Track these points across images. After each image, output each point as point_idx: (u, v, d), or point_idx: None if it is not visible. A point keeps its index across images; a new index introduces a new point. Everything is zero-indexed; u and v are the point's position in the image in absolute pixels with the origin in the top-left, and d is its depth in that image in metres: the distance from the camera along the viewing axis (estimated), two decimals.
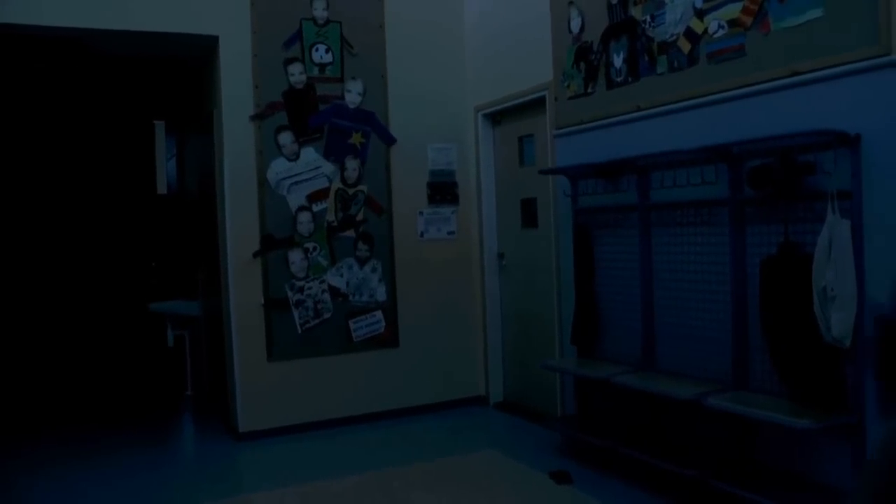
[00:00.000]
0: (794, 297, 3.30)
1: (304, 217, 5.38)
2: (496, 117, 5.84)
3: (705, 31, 3.81)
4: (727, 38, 3.70)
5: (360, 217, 5.55)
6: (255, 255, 5.26)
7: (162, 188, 8.26)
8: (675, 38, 4.01)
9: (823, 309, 3.14)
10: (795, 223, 3.40)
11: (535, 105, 5.27)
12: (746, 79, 3.62)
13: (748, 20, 3.58)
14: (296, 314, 5.36)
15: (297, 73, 5.36)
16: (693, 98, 3.92)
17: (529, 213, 5.53)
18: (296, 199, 5.36)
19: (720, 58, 3.76)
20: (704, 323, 3.91)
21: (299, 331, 5.37)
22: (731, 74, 3.70)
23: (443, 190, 5.85)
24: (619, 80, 4.43)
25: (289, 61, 5.34)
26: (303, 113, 5.37)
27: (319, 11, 5.42)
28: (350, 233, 5.53)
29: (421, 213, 5.79)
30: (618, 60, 4.43)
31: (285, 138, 5.34)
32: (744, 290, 3.66)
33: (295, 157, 5.37)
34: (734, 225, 3.68)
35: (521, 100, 5.36)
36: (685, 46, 3.95)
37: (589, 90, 4.67)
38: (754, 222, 3.62)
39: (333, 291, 5.46)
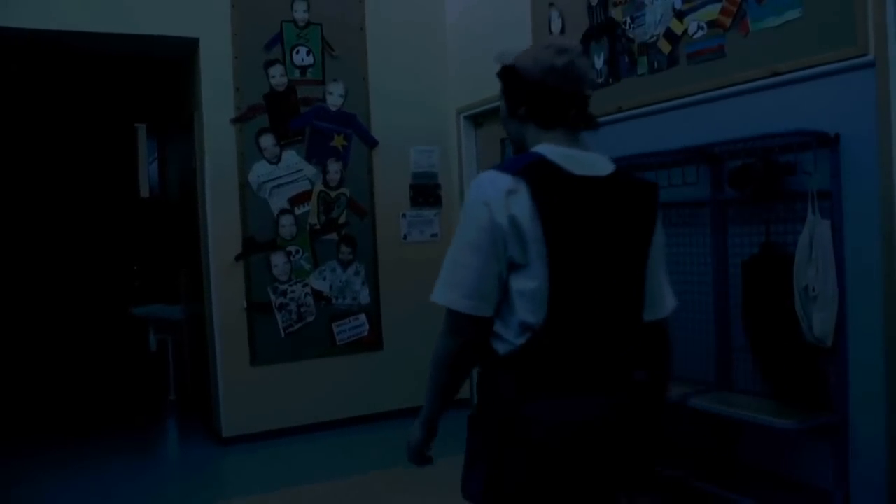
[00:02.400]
0: (776, 297, 3.30)
1: (287, 220, 5.35)
2: (478, 119, 5.84)
3: (685, 31, 3.82)
4: (707, 39, 3.71)
5: (342, 220, 5.53)
6: (238, 258, 5.23)
7: (144, 191, 8.22)
8: (655, 39, 4.01)
9: (805, 308, 3.14)
10: (776, 223, 3.41)
11: None
12: (726, 79, 3.63)
13: (727, 21, 3.59)
14: (279, 318, 5.33)
15: (278, 76, 5.33)
16: (674, 99, 3.93)
17: None
18: (278, 202, 5.33)
19: (700, 59, 3.76)
20: (686, 323, 3.91)
21: (282, 334, 5.34)
22: (712, 75, 3.71)
23: (425, 192, 5.83)
24: (599, 81, 4.43)
25: (269, 63, 5.31)
26: (284, 115, 5.35)
27: (300, 13, 5.39)
28: (333, 236, 5.50)
29: (404, 215, 5.77)
30: (598, 62, 4.43)
31: (267, 141, 5.31)
32: (726, 291, 3.67)
33: (276, 159, 5.34)
34: (716, 225, 3.69)
35: (501, 102, 5.35)
36: (665, 48, 3.95)
37: None
38: (736, 223, 3.63)
39: (316, 295, 5.43)
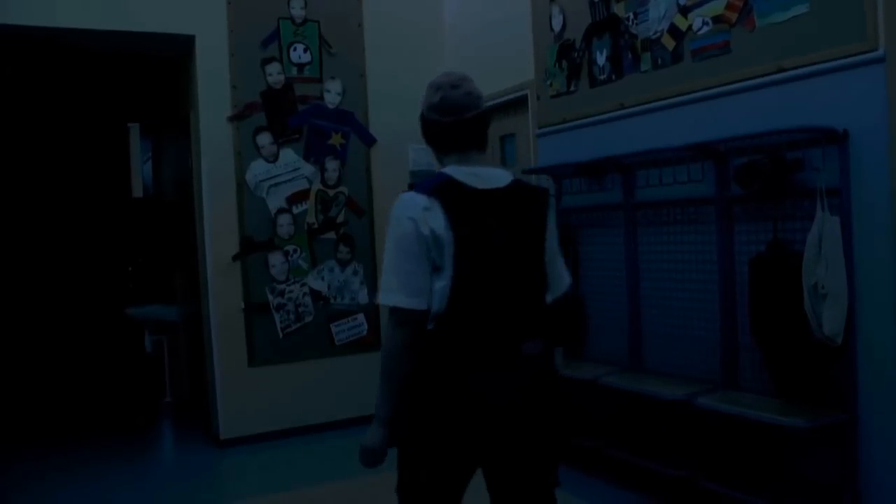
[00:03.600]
0: (785, 295, 3.26)
1: (284, 219, 5.30)
2: None
3: (689, 27, 3.78)
4: (712, 35, 3.67)
5: (340, 219, 5.48)
6: (235, 258, 5.17)
7: (138, 191, 8.14)
8: (658, 35, 3.97)
9: (814, 306, 3.10)
10: (784, 221, 3.38)
11: (516, 104, 5.22)
12: (732, 76, 3.59)
13: (733, 16, 3.55)
14: (277, 318, 5.27)
15: (275, 73, 5.27)
16: (678, 95, 3.89)
17: None
18: (275, 202, 5.28)
19: (705, 55, 3.72)
20: (692, 322, 3.88)
21: (280, 335, 5.28)
22: (717, 71, 3.67)
23: None
24: (602, 77, 4.39)
25: (266, 61, 5.25)
26: (281, 113, 5.29)
27: (297, 10, 5.33)
28: (331, 235, 5.45)
29: None
30: (601, 58, 4.39)
31: (264, 139, 5.25)
32: (732, 289, 3.63)
33: (274, 158, 5.28)
34: (721, 223, 3.65)
35: (501, 99, 5.31)
36: (669, 44, 3.91)
37: (572, 88, 4.62)
38: (742, 220, 3.59)
39: (314, 294, 5.38)
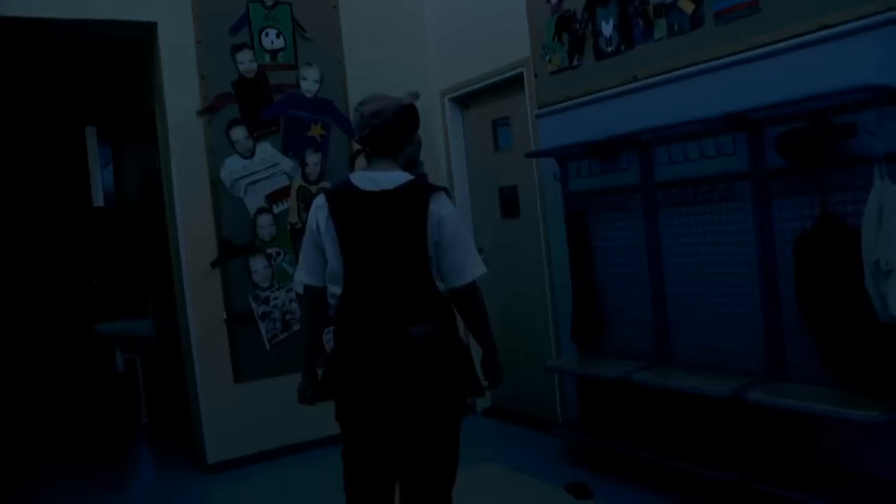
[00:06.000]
0: (839, 275, 2.97)
1: (265, 220, 4.87)
2: (464, 101, 5.42)
3: None
4: None
5: None
6: (213, 264, 4.73)
7: (98, 199, 7.61)
8: None
9: (877, 284, 2.80)
10: (833, 193, 3.07)
11: (509, 84, 4.86)
12: (763, 38, 3.27)
13: None
14: (262, 328, 4.84)
15: (246, 61, 4.83)
16: (699, 63, 3.56)
17: (509, 202, 5.12)
18: (254, 201, 4.84)
19: (730, 16, 3.40)
20: (727, 309, 3.56)
21: (267, 346, 4.85)
22: (745, 34, 3.35)
23: None
24: (609, 49, 4.05)
25: (237, 48, 4.81)
26: (255, 105, 4.85)
27: None
28: None
29: None
30: (607, 28, 4.04)
31: (238, 133, 4.81)
32: (773, 271, 3.32)
33: (250, 153, 4.84)
34: (758, 199, 3.34)
35: (492, 80, 4.95)
36: (688, 7, 3.58)
37: (574, 63, 4.27)
38: (782, 195, 3.28)
39: (302, 300, 4.95)
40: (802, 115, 3.09)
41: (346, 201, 2.39)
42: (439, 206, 2.34)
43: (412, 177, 2.42)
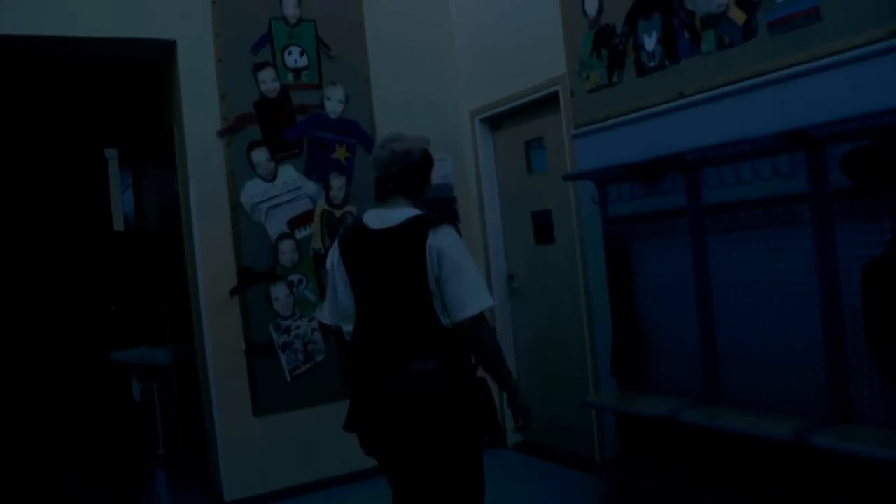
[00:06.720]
0: None
1: (287, 246, 4.66)
2: (495, 122, 5.20)
3: None
4: (794, 2, 3.10)
5: None
6: (233, 292, 4.52)
7: (118, 224, 7.48)
8: (724, 8, 3.39)
9: None
10: None
11: (543, 103, 4.64)
12: (823, 49, 3.01)
13: None
14: (283, 359, 4.62)
15: (268, 81, 4.66)
16: (752, 77, 3.31)
17: (543, 227, 4.87)
18: (276, 226, 4.64)
19: (787, 26, 3.15)
20: (784, 343, 3.27)
21: (288, 378, 4.62)
22: (803, 46, 3.09)
23: (440, 207, 5.14)
24: (652, 64, 3.81)
25: (259, 67, 4.64)
26: (278, 126, 4.67)
27: (290, 9, 4.73)
28: None
29: None
30: (650, 42, 3.81)
31: (259, 156, 4.62)
32: (837, 301, 3.03)
33: (272, 176, 4.65)
34: (820, 224, 3.06)
35: (525, 99, 4.73)
36: (739, 17, 3.34)
37: (614, 80, 4.04)
38: (846, 220, 3.00)
39: (325, 330, 4.72)
40: (870, 132, 2.83)
41: (354, 241, 2.48)
42: (438, 240, 2.33)
43: (420, 212, 2.44)
